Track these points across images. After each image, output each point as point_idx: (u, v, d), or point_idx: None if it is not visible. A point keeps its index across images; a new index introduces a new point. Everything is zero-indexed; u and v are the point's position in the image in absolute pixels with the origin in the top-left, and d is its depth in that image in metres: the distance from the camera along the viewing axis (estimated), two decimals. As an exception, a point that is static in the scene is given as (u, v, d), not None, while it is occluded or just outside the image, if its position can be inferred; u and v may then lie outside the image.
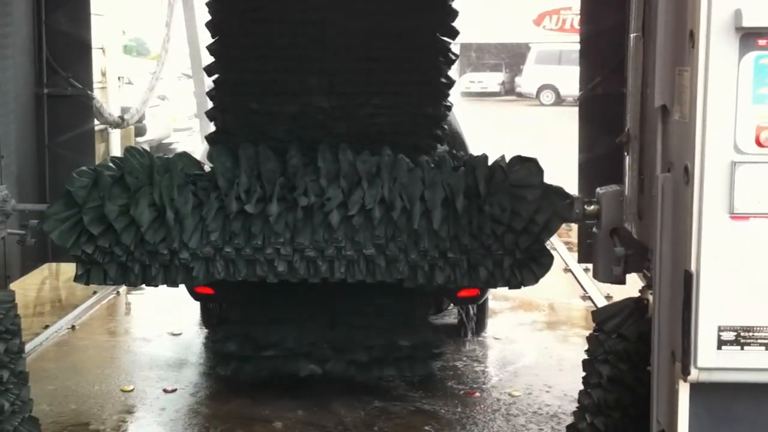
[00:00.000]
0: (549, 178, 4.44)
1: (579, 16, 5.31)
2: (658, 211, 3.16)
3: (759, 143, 2.88)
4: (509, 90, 33.84)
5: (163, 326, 6.75)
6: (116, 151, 10.74)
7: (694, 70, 2.93)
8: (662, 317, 3.13)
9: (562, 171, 5.54)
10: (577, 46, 5.19)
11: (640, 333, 3.62)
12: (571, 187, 4.62)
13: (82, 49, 5.49)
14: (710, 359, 2.90)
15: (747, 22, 2.85)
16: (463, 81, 31.68)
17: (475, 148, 5.91)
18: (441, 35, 4.99)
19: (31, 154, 5.19)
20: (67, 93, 5.38)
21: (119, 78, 11.75)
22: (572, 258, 8.08)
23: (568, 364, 5.72)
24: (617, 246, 3.88)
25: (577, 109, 5.24)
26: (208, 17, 5.11)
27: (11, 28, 4.88)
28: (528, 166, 4.47)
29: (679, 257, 3.02)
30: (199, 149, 7.40)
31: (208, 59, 5.26)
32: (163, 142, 16.34)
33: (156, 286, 4.45)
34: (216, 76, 5.05)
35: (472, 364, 5.94)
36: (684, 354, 2.92)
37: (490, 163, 4.51)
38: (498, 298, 7.24)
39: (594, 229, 4.12)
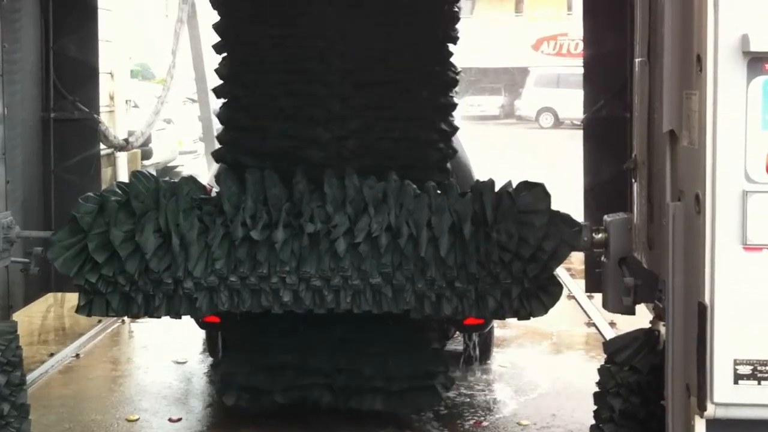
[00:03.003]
0: (553, 201, 4.39)
1: (575, 42, 5.41)
2: (670, 241, 3.12)
3: (770, 172, 2.84)
4: (508, 113, 34.00)
5: (167, 354, 6.69)
6: (123, 174, 10.74)
7: (703, 94, 2.91)
8: (676, 350, 3.08)
9: (566, 193, 5.52)
10: (575, 70, 5.24)
11: (653, 365, 3.56)
12: (574, 206, 4.58)
13: (90, 74, 5.51)
14: (727, 394, 2.85)
15: (754, 47, 2.83)
16: (462, 104, 31.70)
17: (478, 171, 5.90)
18: (443, 57, 4.98)
19: (36, 179, 5.18)
20: (74, 117, 5.39)
21: (126, 102, 11.79)
22: (575, 284, 8.04)
23: (575, 392, 5.65)
24: (626, 276, 3.83)
25: (576, 131, 5.26)
26: (214, 41, 5.10)
27: (19, 54, 4.90)
28: (535, 191, 4.43)
29: (692, 289, 2.98)
30: (204, 171, 7.38)
31: (213, 84, 5.25)
32: (169, 165, 16.41)
33: (159, 317, 4.40)
34: (223, 98, 5.02)
35: (478, 393, 5.87)
36: (699, 388, 2.87)
37: (496, 188, 4.47)
38: (502, 325, 7.17)
39: (602, 258, 4.07)
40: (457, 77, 5.09)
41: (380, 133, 4.89)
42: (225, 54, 5.02)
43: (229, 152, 4.98)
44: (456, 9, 5.03)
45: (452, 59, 5.04)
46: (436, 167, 4.98)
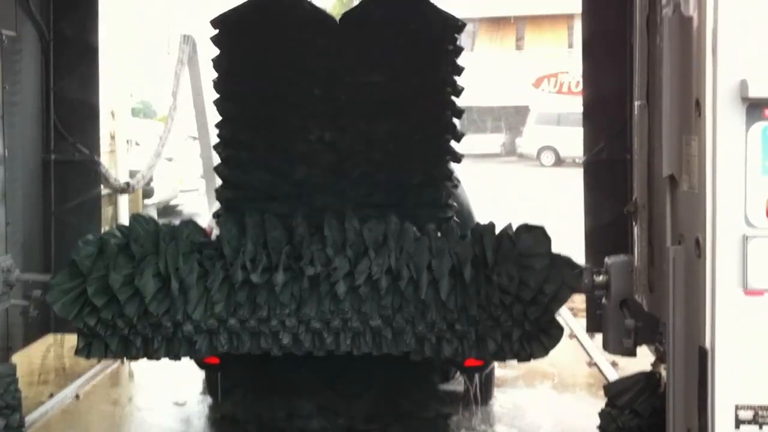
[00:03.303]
0: (554, 242, 4.38)
1: (576, 80, 5.43)
2: (670, 285, 3.11)
3: (770, 217, 2.85)
4: (510, 151, 34.14)
5: (167, 395, 6.65)
6: (125, 214, 10.74)
7: (702, 139, 2.91)
8: (677, 394, 3.06)
9: (569, 233, 5.50)
10: (576, 108, 5.24)
11: (654, 409, 3.55)
12: (576, 247, 4.57)
13: (90, 115, 5.53)
14: (728, 439, 2.83)
15: (753, 93, 2.84)
16: (463, 142, 31.72)
17: (479, 211, 5.88)
18: (448, 99, 4.97)
19: (36, 220, 5.18)
20: (74, 159, 5.39)
21: (127, 141, 11.83)
22: (577, 323, 8.00)
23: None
24: (627, 318, 3.82)
25: (577, 169, 5.26)
26: (215, 78, 5.06)
27: (20, 96, 4.92)
28: (535, 234, 4.42)
29: (693, 333, 2.97)
30: (205, 210, 7.36)
31: (214, 122, 5.24)
32: (171, 203, 16.41)
33: (158, 359, 4.37)
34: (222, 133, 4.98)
35: (481, 434, 5.83)
36: (701, 434, 2.85)
37: (497, 231, 4.47)
38: (503, 365, 7.12)
39: (603, 300, 4.06)
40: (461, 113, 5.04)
41: (380, 168, 4.87)
42: (221, 71, 4.99)
43: (227, 167, 4.94)
44: (458, 45, 5.00)
45: (457, 95, 5.01)
46: (440, 201, 4.94)
